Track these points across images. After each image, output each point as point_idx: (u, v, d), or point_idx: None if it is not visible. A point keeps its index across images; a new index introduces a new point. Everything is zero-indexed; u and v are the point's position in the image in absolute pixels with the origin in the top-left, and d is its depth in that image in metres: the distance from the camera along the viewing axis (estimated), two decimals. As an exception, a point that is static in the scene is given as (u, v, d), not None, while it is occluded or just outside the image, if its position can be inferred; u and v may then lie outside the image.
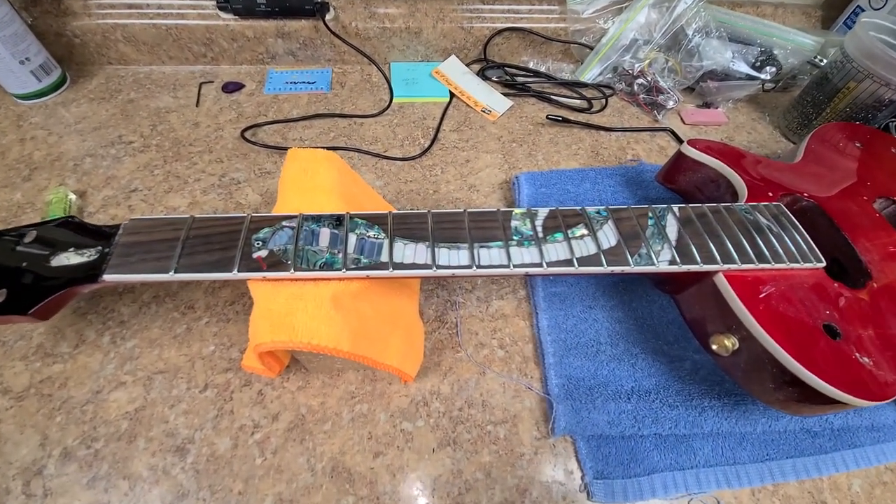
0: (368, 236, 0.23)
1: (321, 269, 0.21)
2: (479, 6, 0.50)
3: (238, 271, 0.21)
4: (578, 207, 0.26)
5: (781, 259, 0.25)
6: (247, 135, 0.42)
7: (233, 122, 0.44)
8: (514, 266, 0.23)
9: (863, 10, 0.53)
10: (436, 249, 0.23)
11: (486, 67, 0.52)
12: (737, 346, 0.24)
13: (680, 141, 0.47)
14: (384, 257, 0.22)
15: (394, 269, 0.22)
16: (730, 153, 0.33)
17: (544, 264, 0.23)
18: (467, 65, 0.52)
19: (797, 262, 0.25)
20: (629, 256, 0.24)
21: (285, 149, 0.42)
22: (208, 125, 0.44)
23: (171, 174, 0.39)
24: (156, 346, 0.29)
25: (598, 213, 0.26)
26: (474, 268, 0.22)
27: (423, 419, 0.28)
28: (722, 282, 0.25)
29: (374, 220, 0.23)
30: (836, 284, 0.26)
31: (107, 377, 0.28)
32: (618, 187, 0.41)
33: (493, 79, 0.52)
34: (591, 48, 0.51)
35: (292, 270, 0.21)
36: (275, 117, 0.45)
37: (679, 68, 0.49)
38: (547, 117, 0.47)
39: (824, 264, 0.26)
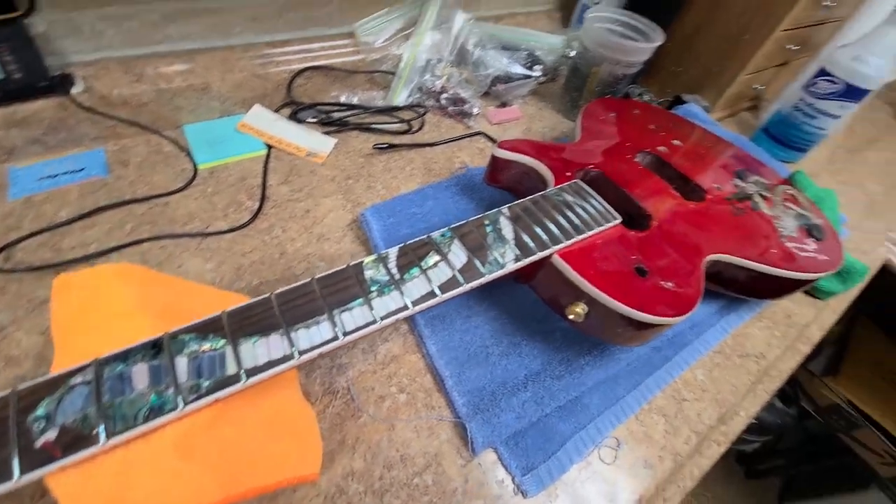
0: (204, 351, 0.19)
1: (148, 419, 0.17)
2: (268, 51, 0.47)
3: (21, 474, 0.15)
4: (425, 236, 0.27)
5: (591, 226, 0.30)
6: (-4, 261, 0.32)
7: (-32, 251, 0.33)
8: (381, 318, 0.22)
9: (588, 7, 0.68)
10: (292, 334, 0.21)
11: (297, 110, 0.50)
12: (586, 309, 0.28)
13: (493, 141, 0.53)
14: (231, 368, 0.19)
15: (248, 377, 0.19)
16: (532, 146, 0.38)
17: (409, 305, 0.23)
18: (275, 111, 0.49)
19: (602, 224, 0.31)
20: (481, 267, 0.26)
21: (60, 265, 0.33)
22: (-76, 265, 0.31)
23: None
24: None
25: (442, 236, 0.27)
26: (340, 338, 0.21)
27: (345, 509, 0.25)
28: (558, 261, 0.29)
29: (205, 329, 0.20)
30: (633, 233, 0.32)
31: None
32: (457, 196, 0.44)
33: (309, 120, 0.50)
34: (394, 73, 0.54)
35: (104, 440, 0.16)
36: (34, 227, 0.35)
37: (472, 78, 0.55)
38: (374, 147, 0.48)
39: (620, 220, 0.32)
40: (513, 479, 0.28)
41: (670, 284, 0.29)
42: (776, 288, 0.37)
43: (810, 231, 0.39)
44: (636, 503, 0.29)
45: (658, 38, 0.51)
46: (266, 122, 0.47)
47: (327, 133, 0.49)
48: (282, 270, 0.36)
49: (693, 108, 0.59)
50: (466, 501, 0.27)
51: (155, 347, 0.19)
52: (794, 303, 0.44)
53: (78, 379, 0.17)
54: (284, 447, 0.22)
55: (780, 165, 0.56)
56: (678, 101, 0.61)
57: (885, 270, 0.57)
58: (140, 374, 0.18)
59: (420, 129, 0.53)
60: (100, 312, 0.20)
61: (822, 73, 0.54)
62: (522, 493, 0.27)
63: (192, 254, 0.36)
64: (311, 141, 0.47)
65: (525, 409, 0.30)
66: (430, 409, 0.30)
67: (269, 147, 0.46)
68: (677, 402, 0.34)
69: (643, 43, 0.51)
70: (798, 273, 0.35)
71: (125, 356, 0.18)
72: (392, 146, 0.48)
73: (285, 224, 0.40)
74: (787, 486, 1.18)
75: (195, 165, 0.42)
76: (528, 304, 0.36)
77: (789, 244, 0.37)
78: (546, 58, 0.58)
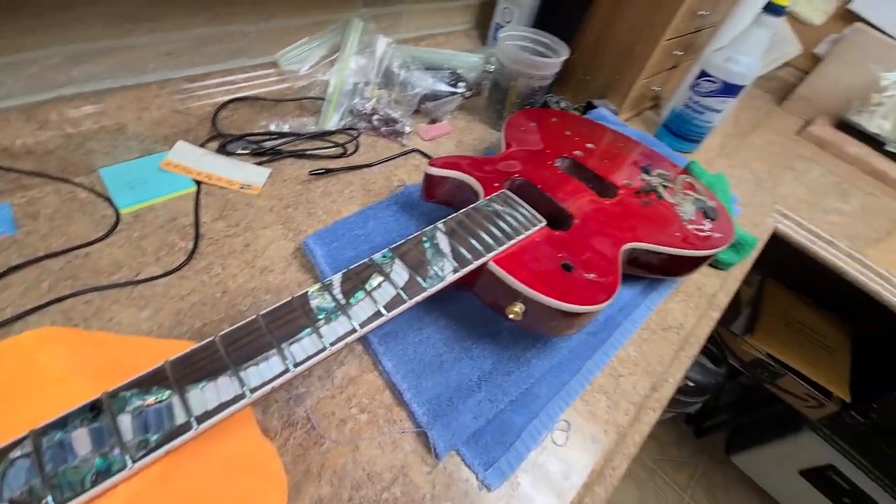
0: (148, 405, 0.19)
1: (96, 483, 0.16)
2: (187, 85, 0.46)
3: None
4: (367, 259, 0.28)
5: (520, 231, 0.33)
6: None
7: None
8: (331, 344, 0.23)
9: (501, 26, 0.73)
10: (241, 374, 0.21)
11: (225, 143, 0.49)
12: (524, 308, 0.31)
13: (427, 157, 0.56)
14: (180, 418, 0.19)
15: (199, 423, 0.19)
16: (462, 162, 0.41)
17: (357, 328, 0.24)
18: (201, 146, 0.48)
19: (529, 228, 0.34)
20: (422, 282, 0.28)
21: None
22: None
23: None
24: None
25: (384, 257, 0.29)
26: (292, 370, 0.22)
27: (316, 536, 0.25)
28: (494, 267, 0.31)
29: (147, 382, 0.20)
30: (557, 233, 0.36)
31: None
32: (397, 214, 0.45)
33: (239, 151, 0.49)
34: (323, 99, 0.55)
35: None
36: (-67, 299, 0.31)
37: (401, 98, 0.57)
38: (309, 173, 0.48)
39: (545, 223, 0.35)
40: (476, 476, 0.30)
41: (593, 275, 0.33)
42: (684, 266, 0.42)
43: (706, 213, 0.45)
44: (589, 475, 0.32)
45: (564, 52, 0.56)
46: (192, 158, 0.46)
47: (260, 163, 0.48)
48: (226, 309, 0.36)
49: (603, 112, 0.65)
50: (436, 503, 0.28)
51: (94, 409, 0.18)
52: (703, 276, 0.50)
53: (17, 452, 0.16)
54: (246, 487, 0.23)
55: (679, 157, 0.63)
56: (590, 106, 0.67)
57: (776, 237, 0.66)
58: (81, 438, 0.17)
59: (355, 151, 0.54)
60: (30, 383, 0.19)
61: (703, 74, 0.62)
62: (486, 487, 0.29)
63: (123, 305, 0.34)
64: (243, 173, 0.47)
65: (481, 408, 0.32)
66: (391, 423, 0.31)
67: (199, 183, 0.44)
68: (615, 379, 0.38)
69: (551, 58, 0.56)
70: (699, 251, 0.40)
71: (63, 423, 0.17)
72: (328, 171, 0.49)
73: (224, 261, 0.39)
74: (732, 437, 1.32)
75: (116, 210, 0.40)
76: (475, 310, 0.38)
77: (690, 226, 0.43)
78: (468, 74, 0.62)
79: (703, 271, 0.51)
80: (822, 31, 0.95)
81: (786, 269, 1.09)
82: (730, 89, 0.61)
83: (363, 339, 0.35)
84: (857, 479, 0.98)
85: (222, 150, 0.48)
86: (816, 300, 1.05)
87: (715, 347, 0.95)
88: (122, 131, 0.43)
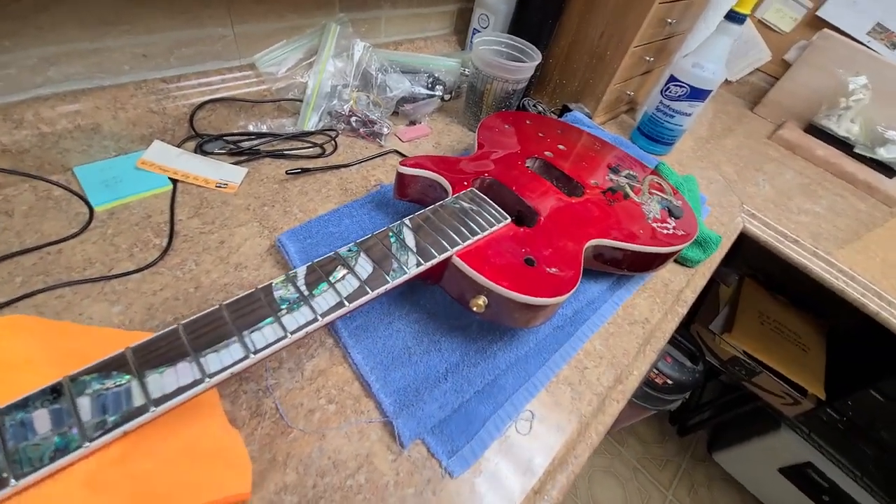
0: (108, 388, 0.20)
1: (53, 459, 0.17)
2: (163, 86, 0.47)
3: None
4: (332, 252, 0.29)
5: (485, 227, 0.35)
6: None
7: None
8: (292, 333, 0.24)
9: (478, 31, 0.75)
10: (201, 360, 0.22)
11: (202, 143, 0.49)
12: (487, 301, 0.32)
13: (405, 157, 0.57)
14: (138, 400, 0.20)
15: (156, 406, 0.20)
16: (432, 161, 0.42)
17: (318, 317, 0.25)
18: (178, 145, 0.48)
19: (494, 225, 0.35)
20: (386, 275, 0.29)
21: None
22: None
23: None
24: None
25: (349, 250, 0.30)
26: (251, 357, 0.22)
27: (280, 521, 0.26)
28: (458, 261, 0.32)
29: (108, 367, 0.20)
30: (522, 229, 0.37)
31: None
32: (372, 213, 0.46)
33: (217, 151, 0.50)
34: (301, 100, 0.55)
35: (13, 482, 0.16)
36: None
37: (379, 101, 0.58)
38: (286, 173, 0.49)
39: (510, 219, 0.37)
40: (440, 464, 0.30)
41: (555, 270, 0.34)
42: (649, 262, 0.44)
43: (671, 212, 0.47)
44: (550, 463, 0.33)
45: (537, 57, 0.58)
46: (169, 158, 0.46)
47: (237, 163, 0.49)
48: (198, 304, 0.36)
49: (578, 115, 0.67)
50: (399, 492, 0.29)
51: (55, 392, 0.19)
52: (670, 273, 0.52)
53: (-26, 432, 0.17)
54: (209, 471, 0.23)
55: (650, 158, 0.65)
56: (566, 109, 0.69)
57: (744, 237, 0.68)
58: (41, 418, 0.18)
59: (334, 151, 0.55)
60: (-8, 367, 0.19)
61: (672, 79, 0.64)
62: (449, 473, 0.30)
63: (95, 299, 0.35)
64: (220, 172, 0.47)
65: (447, 399, 0.33)
66: (359, 413, 0.32)
67: (175, 182, 0.45)
68: (580, 371, 0.39)
69: (524, 63, 0.58)
70: (661, 248, 0.42)
71: (24, 404, 0.18)
72: (305, 170, 0.50)
73: (199, 257, 0.40)
74: (714, 436, 1.34)
75: (90, 208, 0.40)
76: (445, 304, 0.39)
77: (654, 224, 0.44)
78: (446, 78, 0.64)
79: (671, 269, 0.52)
80: (791, 37, 0.98)
81: (763, 269, 1.12)
82: (697, 94, 0.63)
83: (334, 333, 0.36)
84: (835, 476, 1.00)
85: (199, 149, 0.49)
86: (792, 300, 1.08)
87: (693, 346, 0.98)
88: (98, 130, 0.43)
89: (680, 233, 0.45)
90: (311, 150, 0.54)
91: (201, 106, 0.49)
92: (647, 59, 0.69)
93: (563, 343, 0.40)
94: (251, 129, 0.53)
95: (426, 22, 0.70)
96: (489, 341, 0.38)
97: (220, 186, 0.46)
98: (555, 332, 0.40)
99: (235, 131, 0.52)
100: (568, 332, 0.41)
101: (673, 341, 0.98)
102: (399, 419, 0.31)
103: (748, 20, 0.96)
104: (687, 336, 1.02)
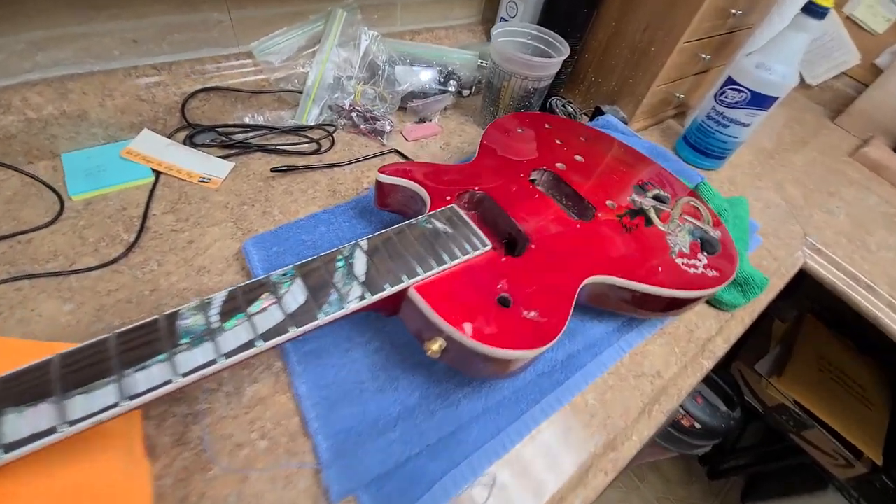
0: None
1: None
2: (154, 73, 0.45)
3: None
4: (263, 276, 0.25)
5: (456, 255, 0.29)
6: None
7: None
8: (183, 376, 0.20)
9: (505, 20, 0.68)
10: (66, 402, 0.19)
11: (193, 133, 0.47)
12: (444, 345, 0.27)
13: (406, 158, 0.52)
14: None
15: (6, 452, 0.17)
16: (417, 169, 0.37)
17: (217, 359, 0.21)
18: (169, 135, 0.47)
19: (469, 252, 0.30)
20: (318, 310, 0.24)
21: None
22: None
23: None
24: None
25: (284, 275, 0.26)
26: (121, 404, 0.19)
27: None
28: (415, 295, 0.27)
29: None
30: (503, 259, 0.31)
31: None
32: (353, 220, 0.42)
33: (207, 143, 0.48)
34: (301, 92, 0.52)
35: None
36: None
37: (385, 95, 0.54)
38: (271, 170, 0.46)
39: (490, 247, 0.31)
40: (371, 530, 0.26)
41: (533, 314, 0.28)
42: (666, 307, 0.37)
43: (704, 245, 0.39)
44: (506, 545, 0.28)
45: (564, 52, 0.51)
46: (156, 148, 0.45)
47: (227, 157, 0.47)
48: (151, 308, 0.34)
49: (611, 119, 0.59)
50: (316, 558, 0.25)
51: None
52: (698, 316, 0.43)
53: None
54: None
55: (693, 174, 0.56)
56: (598, 111, 0.61)
57: (804, 274, 0.57)
58: None
59: (330, 148, 0.51)
60: None
61: (730, 81, 0.54)
62: (378, 544, 0.26)
63: (50, 295, 0.34)
64: (205, 165, 0.45)
65: (391, 450, 0.28)
66: (291, 455, 0.28)
67: (158, 174, 0.43)
68: (563, 431, 0.33)
69: (548, 58, 0.51)
70: (682, 291, 0.34)
71: None
72: (292, 168, 0.47)
73: (163, 257, 0.37)
74: (750, 484, 1.20)
75: (61, 198, 0.39)
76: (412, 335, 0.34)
77: (679, 260, 0.37)
78: (461, 72, 0.58)
79: (700, 310, 0.44)
80: (884, 40, 0.82)
81: (826, 305, 0.96)
82: (760, 100, 0.53)
83: (283, 355, 0.32)
84: (884, 549, 0.85)
85: (189, 140, 0.47)
86: (858, 344, 0.92)
87: (731, 387, 0.86)
88: (84, 117, 0.42)
89: (711, 273, 0.37)
90: (306, 145, 0.50)
91: (193, 95, 0.47)
92: (703, 56, 0.59)
93: (548, 393, 0.34)
94: (247, 120, 0.51)
95: (449, 9, 0.64)
96: (456, 384, 0.32)
97: (202, 181, 0.44)
98: (539, 378, 0.34)
99: (230, 123, 0.50)
100: (556, 381, 0.35)
101: (707, 379, 0.87)
102: (332, 469, 0.27)
103: (833, 15, 0.81)
104: (725, 375, 0.90)
